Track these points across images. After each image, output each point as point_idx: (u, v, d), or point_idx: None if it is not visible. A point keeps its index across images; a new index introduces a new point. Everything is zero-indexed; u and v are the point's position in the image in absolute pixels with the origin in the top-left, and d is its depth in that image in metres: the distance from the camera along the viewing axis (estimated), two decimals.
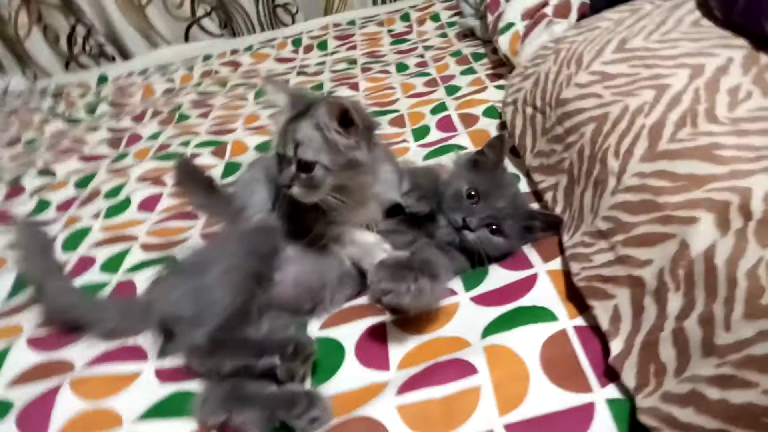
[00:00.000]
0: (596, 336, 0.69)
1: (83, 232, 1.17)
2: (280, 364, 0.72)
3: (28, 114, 2.22)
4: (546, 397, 0.64)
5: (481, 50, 1.80)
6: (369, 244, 0.85)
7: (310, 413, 0.67)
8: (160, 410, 0.74)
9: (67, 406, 0.76)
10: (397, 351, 0.76)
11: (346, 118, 0.77)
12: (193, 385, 0.76)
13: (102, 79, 2.46)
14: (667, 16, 0.97)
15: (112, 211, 1.24)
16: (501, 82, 1.47)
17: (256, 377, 0.73)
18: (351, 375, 0.74)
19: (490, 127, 1.27)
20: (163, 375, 0.79)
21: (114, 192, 1.33)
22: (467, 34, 2.01)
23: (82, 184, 1.43)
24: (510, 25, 1.45)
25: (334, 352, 0.78)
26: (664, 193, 0.67)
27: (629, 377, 0.61)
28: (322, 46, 2.32)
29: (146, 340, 0.84)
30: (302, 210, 0.85)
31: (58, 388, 0.77)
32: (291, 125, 0.79)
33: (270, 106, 0.82)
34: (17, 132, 1.97)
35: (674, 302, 0.60)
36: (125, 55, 2.79)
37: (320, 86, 1.83)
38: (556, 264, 0.82)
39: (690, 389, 0.53)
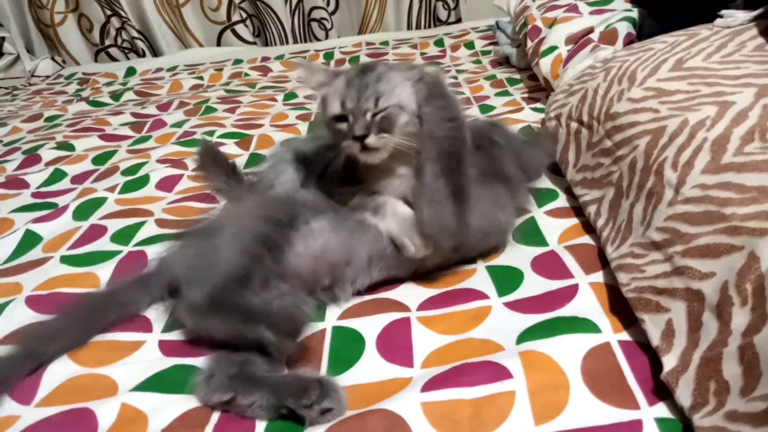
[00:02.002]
0: (643, 352, 0.64)
1: (97, 202, 1.13)
2: (269, 338, 0.66)
3: (53, 95, 2.21)
4: (587, 409, 0.59)
5: (517, 76, 1.78)
6: (411, 219, 0.79)
7: (323, 404, 0.60)
8: (159, 383, 0.68)
9: (61, 368, 0.70)
10: (422, 348, 0.70)
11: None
12: (198, 361, 0.70)
13: (130, 71, 2.45)
14: (727, 41, 0.94)
15: (128, 186, 1.19)
16: (538, 105, 1.44)
17: (250, 348, 0.68)
18: (371, 367, 0.68)
19: None
20: (167, 348, 0.74)
21: (133, 170, 1.28)
22: (502, 62, 2.00)
23: (100, 160, 1.39)
24: (553, 48, 1.43)
25: (353, 342, 0.72)
26: (731, 204, 0.62)
27: (684, 395, 0.55)
28: (354, 61, 2.31)
29: (153, 311, 0.79)
30: (342, 182, 0.82)
31: None
32: (362, 79, 0.77)
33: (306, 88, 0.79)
34: (39, 109, 1.95)
35: (740, 317, 0.55)
36: (156, 52, 2.79)
37: None
38: (599, 276, 0.77)
39: (767, 407, 0.47)
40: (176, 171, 1.25)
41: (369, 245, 0.79)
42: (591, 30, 1.40)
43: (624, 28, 1.35)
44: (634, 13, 1.40)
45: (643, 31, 1.33)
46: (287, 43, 2.75)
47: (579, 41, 1.39)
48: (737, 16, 1.01)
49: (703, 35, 1.00)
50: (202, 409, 0.64)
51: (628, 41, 1.31)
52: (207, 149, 1.21)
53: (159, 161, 1.33)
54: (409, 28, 2.75)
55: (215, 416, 0.63)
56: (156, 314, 0.79)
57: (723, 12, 1.03)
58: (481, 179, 0.82)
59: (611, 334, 0.66)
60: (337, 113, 0.78)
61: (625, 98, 0.93)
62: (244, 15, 2.73)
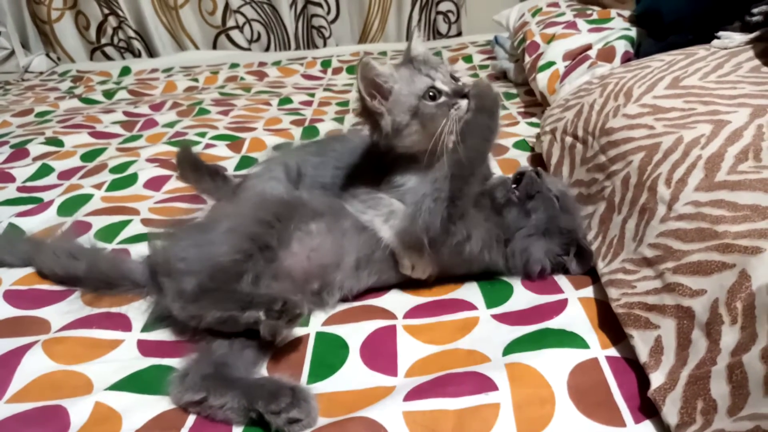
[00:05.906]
0: (631, 369, 0.63)
1: (83, 199, 1.11)
2: (265, 320, 0.66)
3: (45, 91, 2.18)
4: (572, 425, 0.58)
5: (513, 91, 1.78)
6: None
7: (290, 413, 0.59)
8: (135, 383, 0.66)
9: (35, 363, 0.69)
10: (407, 357, 0.69)
11: None
12: (176, 362, 0.69)
13: (125, 71, 2.44)
14: (724, 61, 0.94)
15: (116, 184, 1.18)
16: (534, 119, 1.44)
17: (237, 333, 0.68)
18: (353, 375, 0.67)
19: (520, 158, 1.23)
20: (145, 347, 0.72)
21: (121, 168, 1.27)
22: (499, 76, 2.00)
23: (89, 157, 1.37)
24: (551, 63, 1.43)
25: (337, 348, 0.71)
26: (723, 222, 0.62)
27: (671, 413, 0.54)
28: (351, 70, 2.30)
29: (133, 311, 0.78)
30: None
31: (29, 345, 0.71)
32: (432, 61, 0.82)
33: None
34: (31, 105, 1.93)
35: (729, 336, 0.54)
36: (152, 52, 2.78)
37: (345, 103, 1.80)
38: (588, 292, 0.76)
39: (753, 427, 0.46)
40: (165, 171, 1.24)
41: (357, 248, 0.79)
42: (589, 47, 1.41)
43: (622, 47, 1.35)
44: (633, 32, 1.41)
45: (641, 50, 1.33)
46: (289, 48, 2.75)
47: (577, 57, 1.39)
48: (734, 38, 1.01)
49: (700, 55, 1.00)
50: (177, 410, 0.62)
51: (626, 59, 1.31)
52: (185, 157, 1.21)
53: (148, 160, 1.31)
54: (408, 39, 2.75)
55: (191, 419, 0.61)
56: (135, 313, 0.77)
57: (720, 33, 1.04)
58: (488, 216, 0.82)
59: (599, 350, 0.65)
60: (428, 85, 0.78)
61: (620, 114, 0.92)
62: (242, 20, 2.72)
